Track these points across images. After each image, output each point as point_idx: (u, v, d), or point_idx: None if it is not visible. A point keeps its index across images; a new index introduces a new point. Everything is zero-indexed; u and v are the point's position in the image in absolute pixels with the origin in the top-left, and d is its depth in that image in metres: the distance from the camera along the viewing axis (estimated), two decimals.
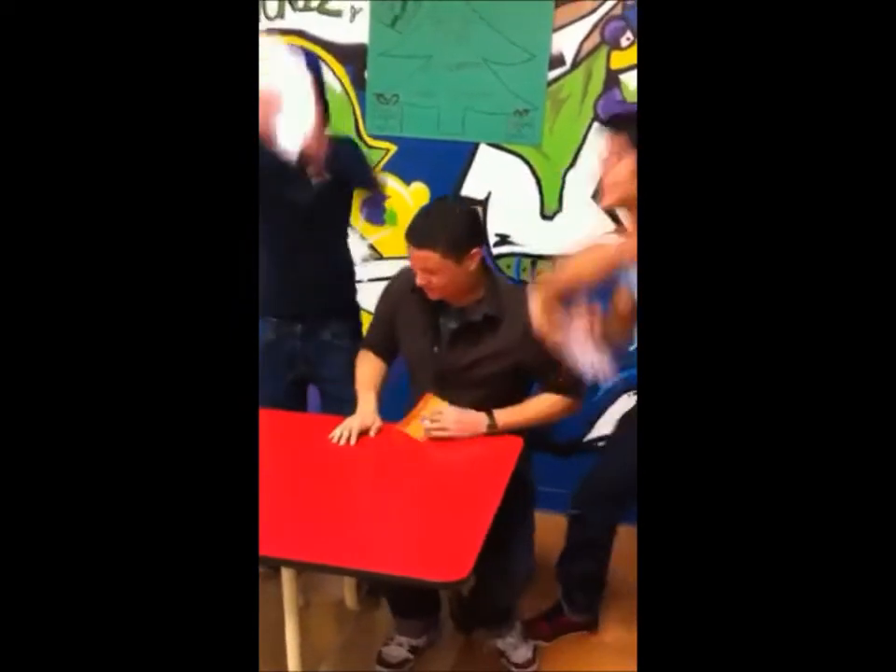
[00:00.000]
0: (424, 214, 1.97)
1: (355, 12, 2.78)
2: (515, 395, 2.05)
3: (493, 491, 1.77)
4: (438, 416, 1.96)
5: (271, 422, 2.19)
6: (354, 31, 2.78)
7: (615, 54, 2.51)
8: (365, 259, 2.92)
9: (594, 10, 2.51)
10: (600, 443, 2.77)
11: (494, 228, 2.73)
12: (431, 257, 1.87)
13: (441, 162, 2.71)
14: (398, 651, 2.15)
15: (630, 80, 2.51)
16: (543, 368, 1.98)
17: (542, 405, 2.04)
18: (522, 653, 2.17)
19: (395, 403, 2.10)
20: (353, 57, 2.80)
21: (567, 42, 2.56)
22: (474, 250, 1.91)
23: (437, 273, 1.89)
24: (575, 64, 2.56)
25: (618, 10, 2.49)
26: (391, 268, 2.87)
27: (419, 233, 1.90)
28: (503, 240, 2.68)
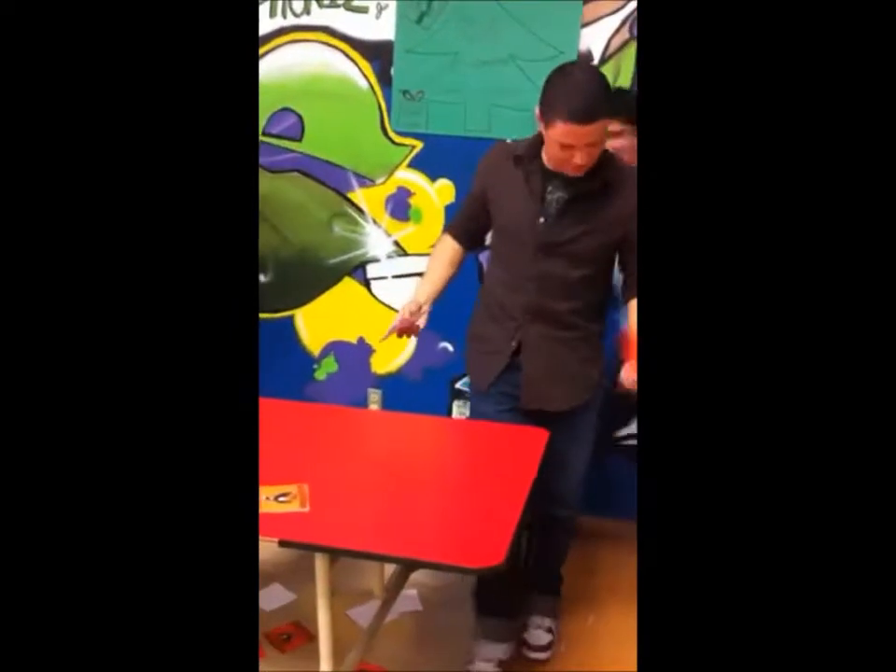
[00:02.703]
0: (583, 90, 1.72)
1: (381, 9, 2.78)
2: (607, 281, 2.00)
3: (523, 480, 1.76)
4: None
5: (306, 413, 2.20)
6: (380, 28, 2.79)
7: None
8: (390, 256, 2.92)
9: (622, 6, 2.51)
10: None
11: None
12: (599, 129, 1.74)
13: (467, 159, 2.67)
14: (484, 667, 2.11)
15: None
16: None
17: None
18: (543, 636, 2.21)
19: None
20: (379, 54, 2.81)
21: (595, 38, 2.56)
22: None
23: (598, 146, 1.78)
24: (603, 60, 2.56)
25: None
26: (415, 265, 2.88)
27: (587, 110, 1.70)
28: None
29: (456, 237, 2.09)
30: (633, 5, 2.50)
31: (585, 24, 2.55)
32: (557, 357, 1.97)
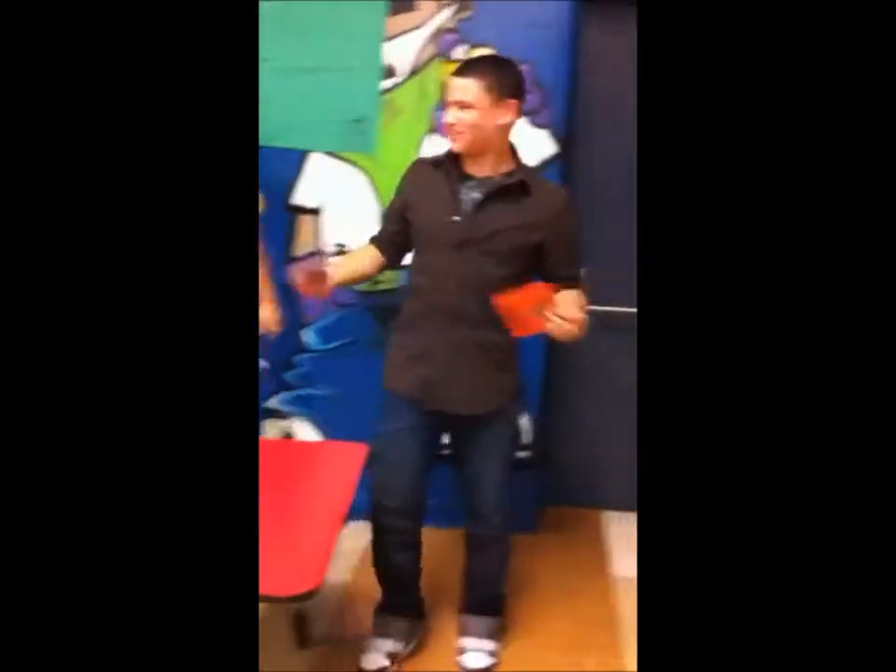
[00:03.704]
0: (475, 57, 1.94)
1: None
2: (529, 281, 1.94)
3: (341, 500, 1.71)
4: (569, 314, 1.71)
5: None
6: None
7: (449, 66, 2.53)
8: None
9: (426, 22, 2.53)
10: None
11: (330, 238, 2.67)
12: (471, 87, 1.79)
13: (272, 171, 2.62)
14: (375, 658, 2.11)
15: None
16: (564, 258, 1.94)
17: (580, 297, 1.88)
18: (481, 658, 2.17)
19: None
20: None
21: (401, 52, 2.56)
22: (513, 101, 1.84)
23: (471, 108, 1.80)
24: (410, 75, 2.57)
25: (452, 23, 2.52)
26: None
27: (465, 64, 1.84)
28: (341, 250, 2.63)
29: (380, 247, 2.04)
30: (437, 20, 2.53)
31: (390, 38, 2.55)
32: (470, 358, 1.93)
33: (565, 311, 1.69)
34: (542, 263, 1.92)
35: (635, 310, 2.80)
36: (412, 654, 2.18)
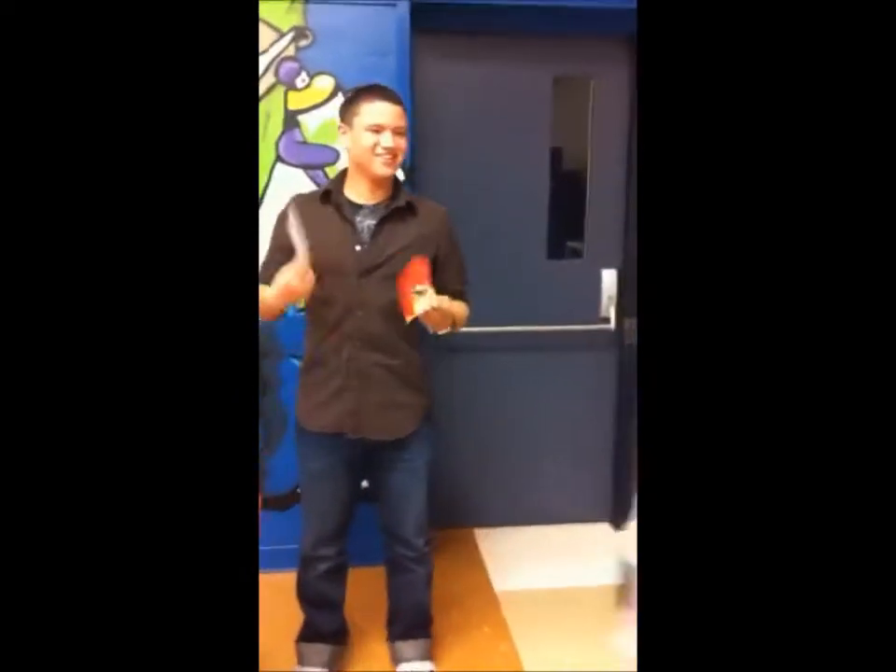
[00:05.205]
0: (372, 85, 1.94)
1: None
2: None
3: None
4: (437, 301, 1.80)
5: None
6: None
7: (292, 95, 2.49)
8: None
9: (265, 50, 2.47)
10: None
11: None
12: (401, 113, 1.89)
13: None
14: None
15: (308, 121, 2.51)
16: (454, 272, 2.01)
17: (462, 306, 2.01)
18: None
19: None
20: None
21: None
22: None
23: (402, 137, 1.90)
24: None
25: (291, 52, 2.48)
26: None
27: (386, 90, 1.90)
28: None
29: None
30: (278, 48, 2.47)
31: None
32: (386, 383, 1.94)
33: (433, 298, 1.78)
34: (435, 279, 1.95)
35: (498, 328, 2.89)
36: None
